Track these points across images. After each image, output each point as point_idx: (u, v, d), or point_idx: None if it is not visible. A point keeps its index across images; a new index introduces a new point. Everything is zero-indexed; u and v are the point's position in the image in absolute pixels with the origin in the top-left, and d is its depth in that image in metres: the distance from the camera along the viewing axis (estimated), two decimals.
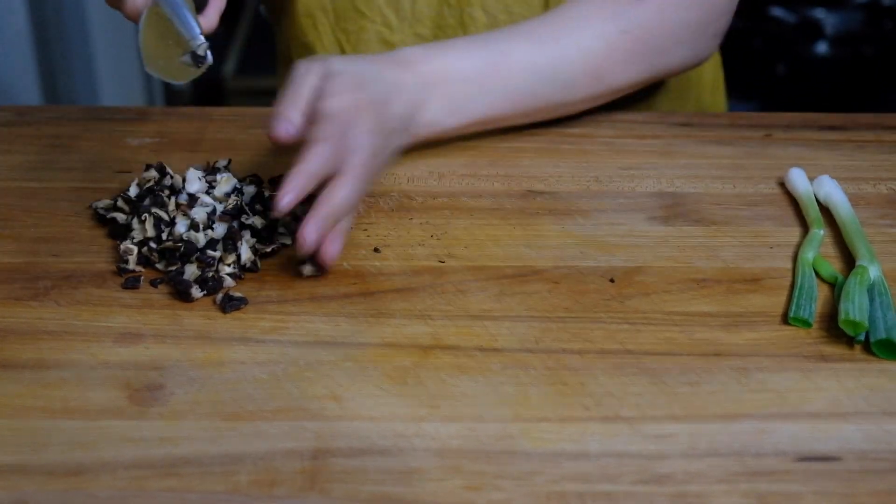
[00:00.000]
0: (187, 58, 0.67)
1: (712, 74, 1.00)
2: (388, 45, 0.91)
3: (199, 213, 0.65)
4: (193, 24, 0.66)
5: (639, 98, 0.92)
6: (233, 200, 0.67)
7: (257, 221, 0.67)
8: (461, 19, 0.89)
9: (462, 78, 0.76)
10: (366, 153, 0.66)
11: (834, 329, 0.59)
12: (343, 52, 0.93)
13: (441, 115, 0.76)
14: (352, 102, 0.67)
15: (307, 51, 0.94)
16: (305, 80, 0.69)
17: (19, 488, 0.47)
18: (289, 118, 0.66)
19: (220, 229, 0.64)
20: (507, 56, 0.78)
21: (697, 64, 0.86)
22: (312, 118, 0.66)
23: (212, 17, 0.68)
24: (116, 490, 0.47)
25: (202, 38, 0.66)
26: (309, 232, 0.61)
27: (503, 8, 0.89)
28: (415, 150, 0.82)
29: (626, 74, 0.82)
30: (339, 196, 0.64)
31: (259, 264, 0.65)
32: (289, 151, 0.82)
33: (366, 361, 0.56)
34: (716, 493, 0.47)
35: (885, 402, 0.54)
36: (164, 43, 0.67)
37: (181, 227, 0.64)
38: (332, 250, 0.64)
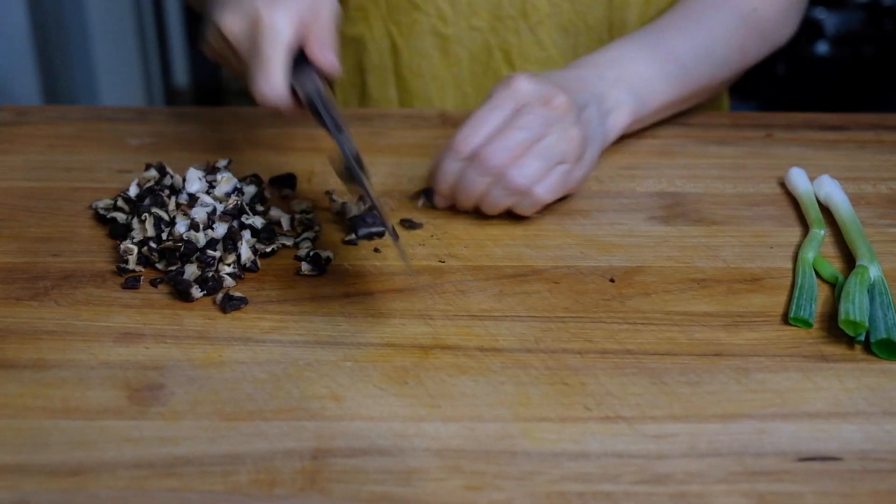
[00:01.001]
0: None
1: None
2: (442, 38, 0.91)
3: (199, 213, 0.65)
4: (344, 137, 0.63)
5: None
6: (233, 200, 0.67)
7: (257, 221, 0.67)
8: (523, 8, 0.89)
9: (637, 62, 0.79)
10: (576, 143, 0.69)
11: (834, 329, 0.59)
12: (394, 45, 0.92)
13: (629, 97, 0.78)
14: (560, 102, 0.69)
15: (356, 44, 0.94)
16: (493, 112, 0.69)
17: (20, 488, 0.47)
18: (439, 192, 0.71)
19: (220, 229, 0.64)
20: (668, 40, 0.81)
21: (784, 41, 0.90)
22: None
23: (330, 59, 0.66)
24: (117, 490, 0.47)
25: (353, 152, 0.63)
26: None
27: None
28: (416, 150, 0.82)
29: (759, 50, 0.86)
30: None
31: (259, 264, 0.65)
32: (283, 151, 0.82)
33: (366, 361, 0.56)
34: (716, 493, 0.47)
35: (885, 402, 0.54)
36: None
37: (181, 227, 0.64)
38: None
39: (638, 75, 0.78)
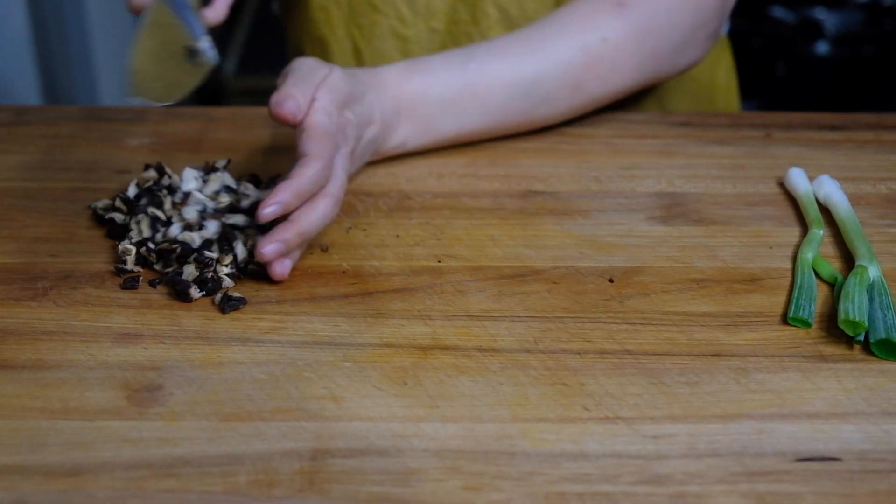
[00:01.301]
0: (190, 58, 0.66)
1: (726, 77, 1.00)
2: (402, 40, 0.91)
3: (189, 213, 0.65)
4: (197, 21, 0.65)
5: (651, 100, 0.92)
6: (225, 199, 0.67)
7: (239, 219, 0.66)
8: (474, 14, 0.89)
9: (436, 100, 0.77)
10: (345, 177, 0.67)
11: (833, 329, 0.59)
12: (356, 46, 0.93)
13: (409, 136, 0.77)
14: (341, 124, 0.68)
15: (320, 45, 0.94)
16: (313, 73, 0.69)
17: (18, 488, 0.47)
18: (296, 98, 0.66)
19: (211, 227, 0.64)
20: (482, 75, 0.77)
21: (689, 67, 0.86)
22: (303, 128, 0.66)
23: (220, 8, 0.68)
24: (115, 490, 0.47)
25: (205, 36, 0.65)
26: (270, 249, 0.61)
27: (515, 3, 0.88)
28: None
29: (608, 84, 0.80)
30: (316, 217, 0.64)
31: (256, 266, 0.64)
32: (283, 151, 0.82)
33: (365, 362, 0.56)
34: (715, 494, 0.47)
35: (884, 403, 0.54)
36: (163, 51, 0.66)
37: (175, 229, 0.64)
38: (283, 269, 0.63)
39: (430, 116, 0.77)
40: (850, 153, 0.82)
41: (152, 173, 0.71)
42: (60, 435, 0.50)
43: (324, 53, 0.94)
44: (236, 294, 0.62)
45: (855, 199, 0.74)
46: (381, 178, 0.77)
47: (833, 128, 0.87)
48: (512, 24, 0.89)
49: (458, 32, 0.90)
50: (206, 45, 0.66)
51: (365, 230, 0.70)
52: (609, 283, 0.64)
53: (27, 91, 1.76)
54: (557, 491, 0.47)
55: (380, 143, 0.75)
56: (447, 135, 0.79)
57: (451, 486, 0.48)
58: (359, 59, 0.93)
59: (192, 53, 0.66)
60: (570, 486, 0.48)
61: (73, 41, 1.95)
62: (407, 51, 0.91)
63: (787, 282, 0.64)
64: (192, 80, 0.68)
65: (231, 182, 0.70)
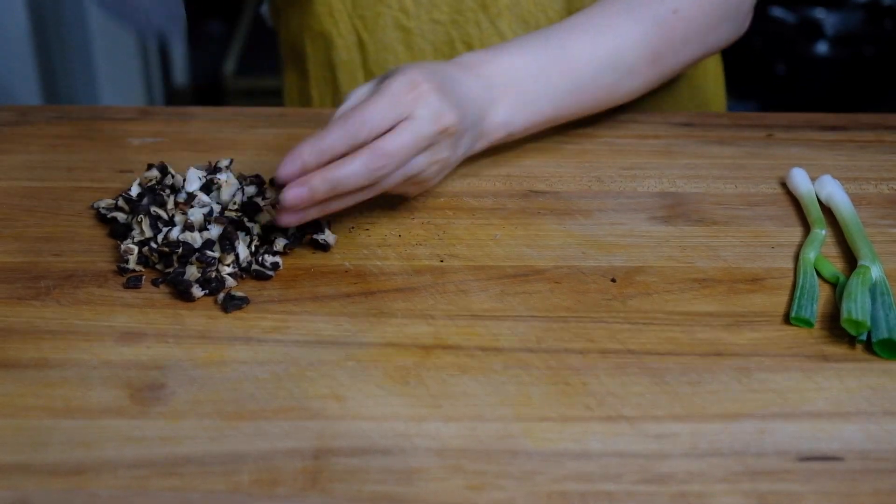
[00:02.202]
0: None
1: (714, 66, 1.00)
2: (405, 32, 0.91)
3: (195, 214, 0.65)
4: None
5: (650, 101, 0.92)
6: (236, 204, 0.67)
7: (255, 228, 0.66)
8: (483, 1, 0.89)
9: (527, 77, 0.75)
10: (411, 140, 0.65)
11: (836, 329, 0.59)
12: (360, 39, 0.93)
13: (510, 114, 0.75)
14: (421, 81, 0.66)
15: (323, 40, 0.94)
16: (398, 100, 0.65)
17: (21, 487, 0.47)
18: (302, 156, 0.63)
19: (214, 230, 0.64)
20: (566, 50, 0.77)
21: (736, 39, 0.87)
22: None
23: None
24: (118, 489, 0.47)
25: None
26: (292, 193, 0.61)
27: None
28: None
29: (681, 55, 0.82)
30: (352, 169, 0.62)
31: (278, 264, 0.64)
32: (285, 151, 0.82)
33: (367, 361, 0.56)
34: (717, 493, 0.47)
35: (887, 402, 0.54)
36: None
37: (175, 231, 0.64)
38: (295, 196, 0.61)
39: (525, 93, 0.75)
40: (851, 153, 0.82)
41: (155, 173, 0.71)
42: (63, 434, 0.50)
43: (327, 48, 0.94)
44: (239, 293, 0.62)
45: (856, 200, 0.74)
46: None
47: (834, 128, 0.87)
48: (521, 8, 0.89)
49: (465, 21, 0.90)
50: None
51: (367, 230, 0.70)
52: (611, 282, 0.64)
53: (27, 91, 1.76)
54: (560, 490, 0.47)
55: (479, 121, 0.72)
56: (546, 113, 0.77)
57: (453, 486, 0.48)
58: (363, 52, 0.93)
59: None
60: (573, 485, 0.48)
61: (73, 41, 1.95)
62: (411, 42, 0.91)
63: (788, 282, 0.64)
64: None
65: (235, 183, 0.70)
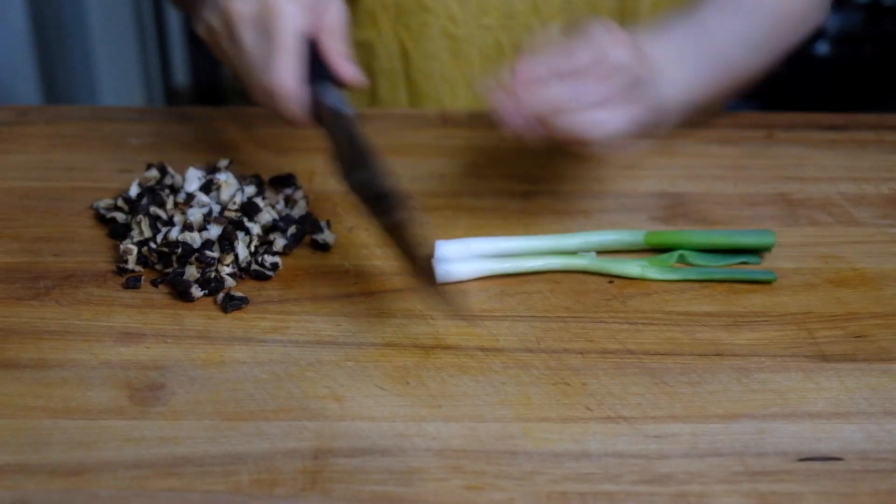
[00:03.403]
0: None
1: None
2: (452, 39, 0.90)
3: (195, 215, 0.65)
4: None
5: None
6: (236, 204, 0.67)
7: (255, 228, 0.66)
8: (534, 4, 0.88)
9: (682, 51, 0.75)
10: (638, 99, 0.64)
11: (836, 329, 0.59)
12: (404, 48, 0.92)
13: (680, 85, 0.73)
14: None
15: (364, 49, 0.93)
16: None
17: (21, 487, 0.47)
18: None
19: (214, 231, 0.64)
20: (708, 30, 0.77)
21: (819, 26, 0.88)
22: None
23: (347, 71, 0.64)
24: (117, 489, 0.47)
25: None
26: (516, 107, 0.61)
27: None
28: (416, 150, 0.82)
29: (798, 34, 0.84)
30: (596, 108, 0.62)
31: (278, 265, 0.64)
32: (285, 151, 0.82)
33: (367, 361, 0.56)
34: (717, 493, 0.47)
35: (886, 402, 0.54)
36: None
37: (174, 232, 0.64)
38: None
39: (686, 77, 0.74)
40: (851, 153, 0.82)
41: (154, 173, 0.71)
42: (63, 434, 0.50)
43: (368, 57, 0.94)
44: (238, 294, 0.62)
45: (857, 200, 0.74)
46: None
47: (834, 128, 0.87)
48: (574, 10, 0.89)
49: (516, 25, 0.90)
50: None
51: (367, 230, 0.70)
52: (609, 283, 0.64)
53: (27, 91, 1.76)
54: (559, 490, 0.47)
55: (653, 88, 0.69)
56: (705, 84, 0.76)
57: (453, 486, 0.48)
58: (406, 61, 0.93)
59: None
60: (572, 485, 0.48)
61: (73, 41, 1.95)
62: (457, 50, 0.91)
63: (789, 281, 0.64)
64: None
65: (235, 183, 0.70)
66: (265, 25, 0.60)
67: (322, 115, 0.62)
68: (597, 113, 0.63)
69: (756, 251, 0.66)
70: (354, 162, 0.60)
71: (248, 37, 0.61)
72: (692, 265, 0.65)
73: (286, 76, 0.60)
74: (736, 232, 0.67)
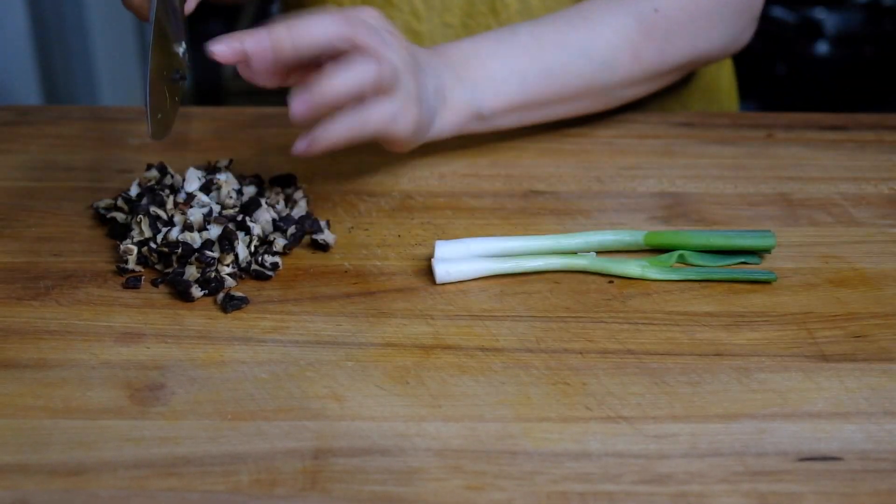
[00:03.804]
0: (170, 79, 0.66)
1: (728, 79, 1.00)
2: (416, 36, 0.91)
3: (195, 214, 0.65)
4: (179, 25, 0.65)
5: (654, 103, 0.92)
6: (235, 203, 0.67)
7: (256, 228, 0.66)
8: (493, 5, 0.89)
9: (492, 58, 0.75)
10: (393, 54, 0.64)
11: (836, 329, 0.59)
12: None
13: (476, 92, 0.74)
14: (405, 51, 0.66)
15: None
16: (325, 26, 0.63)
17: (20, 487, 0.47)
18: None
19: (214, 231, 0.64)
20: (535, 38, 0.76)
21: (736, 49, 0.86)
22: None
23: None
24: (117, 489, 0.47)
25: (183, 43, 0.65)
26: (297, 104, 0.61)
27: None
28: (416, 149, 0.82)
29: (667, 54, 0.80)
30: (352, 74, 0.62)
31: (278, 265, 0.64)
32: (285, 151, 0.82)
33: (367, 361, 0.56)
34: (717, 493, 0.47)
35: (886, 402, 0.54)
36: (162, 72, 0.66)
37: (174, 232, 0.64)
38: (300, 107, 0.61)
39: (491, 73, 0.74)
40: (851, 153, 0.82)
41: (154, 173, 0.71)
42: (63, 434, 0.50)
43: None
44: (238, 293, 0.62)
45: (857, 200, 0.74)
46: (383, 177, 0.77)
47: (834, 128, 0.87)
48: (531, 13, 0.89)
49: (475, 25, 0.90)
50: (181, 50, 0.66)
51: (367, 230, 0.70)
52: (609, 283, 0.64)
53: (27, 91, 1.76)
54: (559, 490, 0.47)
55: (441, 89, 0.71)
56: (514, 94, 0.75)
57: (453, 486, 0.48)
58: None
59: (173, 71, 0.66)
60: (572, 485, 0.48)
61: (73, 41, 1.95)
62: (420, 45, 0.91)
63: (789, 282, 0.64)
64: (174, 107, 0.67)
65: (235, 183, 0.70)
66: None
67: None
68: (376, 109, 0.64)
69: (756, 253, 0.66)
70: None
71: None
72: (692, 265, 0.65)
73: None
74: (736, 232, 0.67)
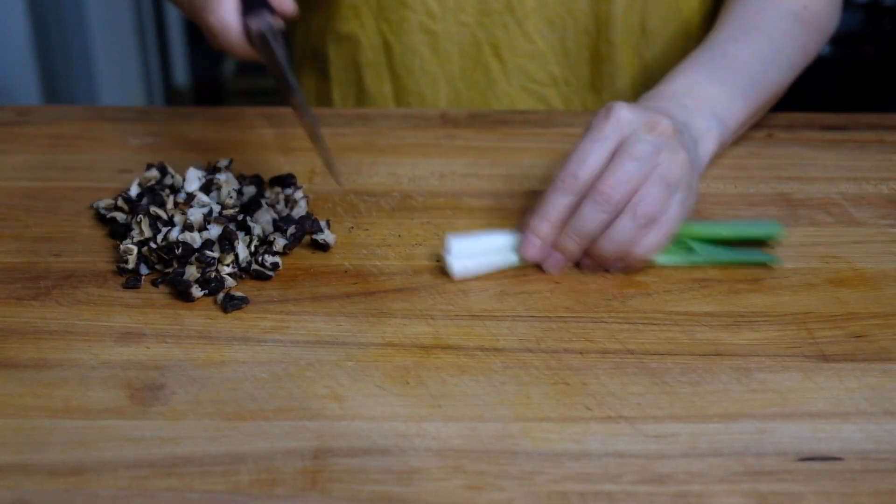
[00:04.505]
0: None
1: None
2: (431, 35, 0.91)
3: (195, 214, 0.65)
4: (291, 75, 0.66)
5: None
6: (235, 203, 0.67)
7: (256, 228, 0.66)
8: (509, 3, 0.89)
9: (707, 85, 0.75)
10: (658, 194, 0.63)
11: (836, 329, 0.59)
12: (386, 42, 0.93)
13: (714, 120, 0.74)
14: (612, 106, 0.65)
15: (348, 42, 0.94)
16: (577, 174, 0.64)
17: (20, 487, 0.47)
18: (536, 233, 0.64)
19: (214, 231, 0.64)
20: (731, 57, 0.78)
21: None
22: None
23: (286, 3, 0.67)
24: (117, 489, 0.47)
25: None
26: (556, 260, 0.64)
27: None
28: (416, 149, 0.82)
29: (818, 47, 0.84)
30: (585, 222, 0.63)
31: (278, 265, 0.64)
32: (284, 151, 0.82)
33: (367, 361, 0.56)
34: (717, 493, 0.47)
35: (886, 402, 0.54)
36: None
37: (174, 232, 0.64)
38: (554, 263, 0.64)
39: (715, 98, 0.75)
40: (851, 153, 0.82)
41: (154, 173, 0.71)
42: (63, 434, 0.50)
43: (353, 49, 0.94)
44: (238, 293, 0.62)
45: (857, 200, 0.74)
46: (384, 177, 0.77)
47: (834, 128, 0.87)
48: (548, 10, 0.89)
49: (491, 23, 0.90)
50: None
51: (367, 230, 0.70)
52: (608, 279, 0.64)
53: (27, 91, 1.76)
54: (559, 490, 0.47)
55: (688, 126, 0.71)
56: (740, 113, 0.77)
57: (453, 486, 0.48)
58: (389, 55, 0.93)
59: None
60: (572, 485, 0.48)
61: (73, 41, 1.95)
62: (436, 45, 0.92)
63: (789, 282, 0.64)
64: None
65: (235, 183, 0.70)
66: None
67: (253, 40, 0.66)
68: (643, 237, 0.63)
69: (763, 244, 0.67)
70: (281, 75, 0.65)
71: None
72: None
73: (225, 13, 0.65)
74: (743, 223, 0.67)
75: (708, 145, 0.73)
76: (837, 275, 0.65)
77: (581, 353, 0.57)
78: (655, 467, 0.49)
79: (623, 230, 0.62)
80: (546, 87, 0.93)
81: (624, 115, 0.64)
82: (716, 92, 0.75)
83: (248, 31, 0.65)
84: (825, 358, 0.57)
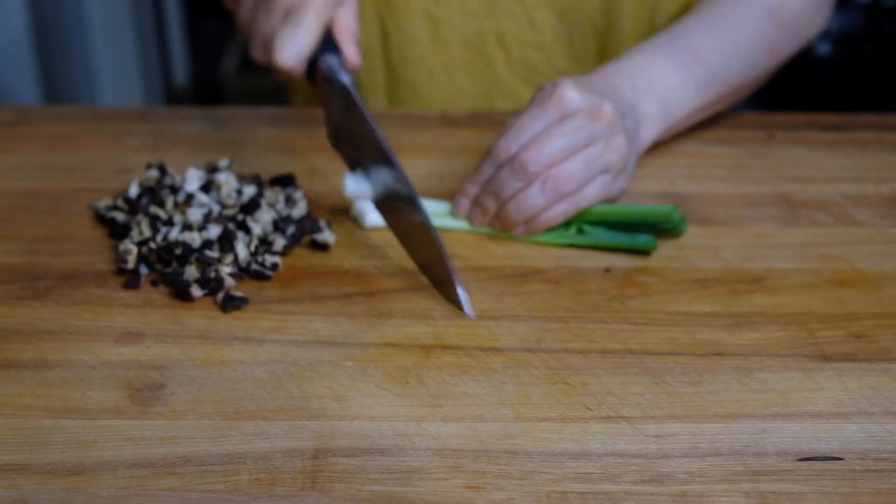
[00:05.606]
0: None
1: None
2: (434, 22, 0.90)
3: (194, 214, 0.64)
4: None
5: None
6: (235, 203, 0.67)
7: (257, 228, 0.66)
8: None
9: (665, 70, 0.76)
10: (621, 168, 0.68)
11: (836, 329, 0.59)
12: (384, 28, 0.91)
13: (663, 105, 0.75)
14: (558, 82, 0.68)
15: None
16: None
17: (20, 487, 0.47)
18: (465, 194, 0.69)
19: (213, 231, 0.64)
20: (692, 44, 0.78)
21: (819, 33, 0.88)
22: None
23: (353, 53, 0.67)
24: (117, 489, 0.47)
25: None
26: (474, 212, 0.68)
27: None
28: (416, 149, 0.82)
29: (789, 46, 0.84)
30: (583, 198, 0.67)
31: (278, 265, 0.64)
32: (284, 151, 0.82)
33: (367, 361, 0.56)
34: (717, 493, 0.47)
35: (887, 402, 0.54)
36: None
37: (174, 232, 0.64)
38: (543, 224, 0.67)
39: (666, 83, 0.76)
40: (851, 153, 0.82)
41: (154, 173, 0.71)
42: (62, 434, 0.50)
43: None
44: (238, 293, 0.62)
45: (857, 200, 0.74)
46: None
47: (835, 128, 0.87)
48: (558, 1, 0.88)
49: (499, 13, 0.89)
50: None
51: (367, 230, 0.70)
52: (606, 272, 0.64)
53: (27, 91, 1.76)
54: (559, 490, 0.47)
55: (633, 108, 0.73)
56: (692, 102, 0.78)
57: (453, 485, 0.48)
58: (385, 41, 0.92)
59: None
60: (573, 485, 0.48)
61: (73, 41, 1.95)
62: (438, 34, 0.90)
63: (789, 282, 0.64)
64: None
65: (235, 183, 0.70)
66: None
67: (318, 78, 0.66)
68: (550, 209, 0.67)
69: (657, 226, 0.67)
70: (347, 133, 0.65)
71: (277, 7, 0.65)
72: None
73: (298, 49, 0.64)
74: (639, 206, 0.68)
75: (650, 131, 0.75)
76: (838, 275, 0.65)
77: (581, 352, 0.57)
78: (655, 467, 0.49)
79: (530, 199, 0.66)
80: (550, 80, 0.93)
81: (568, 96, 0.67)
82: (669, 78, 0.76)
83: (312, 66, 0.65)
84: (826, 358, 0.57)
